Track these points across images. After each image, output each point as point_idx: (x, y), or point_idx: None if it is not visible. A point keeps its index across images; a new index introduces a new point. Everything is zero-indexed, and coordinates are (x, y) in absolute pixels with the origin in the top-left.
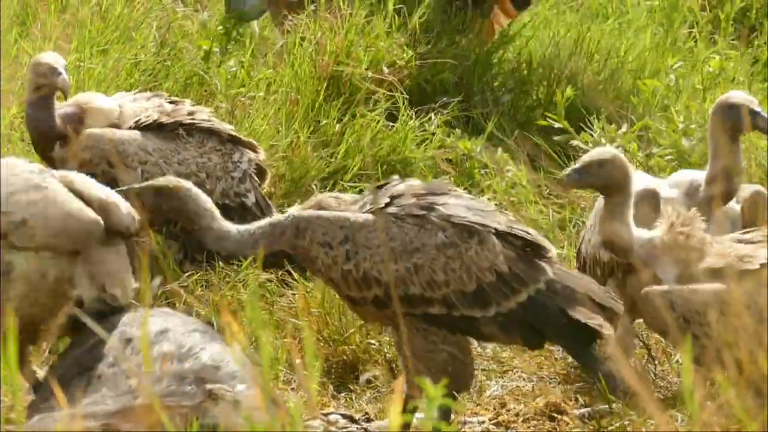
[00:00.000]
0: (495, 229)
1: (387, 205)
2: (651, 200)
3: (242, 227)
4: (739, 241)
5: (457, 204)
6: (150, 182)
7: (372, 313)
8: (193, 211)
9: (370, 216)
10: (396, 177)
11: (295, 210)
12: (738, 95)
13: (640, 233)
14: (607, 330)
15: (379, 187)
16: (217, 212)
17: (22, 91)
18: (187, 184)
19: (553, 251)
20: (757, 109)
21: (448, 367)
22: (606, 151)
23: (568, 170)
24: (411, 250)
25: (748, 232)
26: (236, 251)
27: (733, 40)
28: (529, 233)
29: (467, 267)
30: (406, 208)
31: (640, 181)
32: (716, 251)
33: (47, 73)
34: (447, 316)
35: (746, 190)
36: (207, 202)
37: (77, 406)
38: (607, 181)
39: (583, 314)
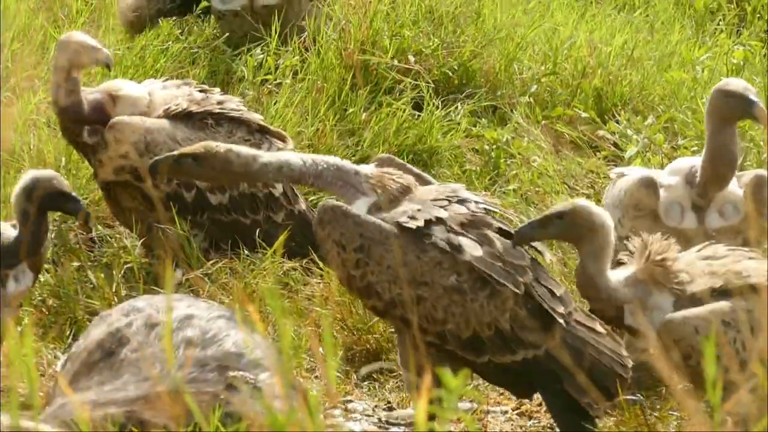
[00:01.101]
0: (513, 286)
1: (425, 224)
2: (649, 188)
3: (306, 157)
4: (703, 258)
5: (491, 248)
6: (185, 150)
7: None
8: (239, 164)
9: (394, 232)
10: (461, 186)
11: (368, 169)
12: (736, 83)
13: (616, 276)
14: (600, 411)
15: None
16: (258, 152)
17: (49, 77)
18: (223, 145)
19: (571, 307)
20: (754, 98)
21: None
22: (569, 203)
23: (523, 224)
24: (419, 283)
25: (703, 248)
26: (300, 178)
27: (761, 32)
28: (551, 291)
29: (467, 316)
30: (436, 239)
31: (638, 171)
32: (705, 271)
33: (89, 50)
34: (440, 346)
35: (748, 174)
36: (245, 149)
37: (99, 392)
38: (570, 233)
39: (578, 389)
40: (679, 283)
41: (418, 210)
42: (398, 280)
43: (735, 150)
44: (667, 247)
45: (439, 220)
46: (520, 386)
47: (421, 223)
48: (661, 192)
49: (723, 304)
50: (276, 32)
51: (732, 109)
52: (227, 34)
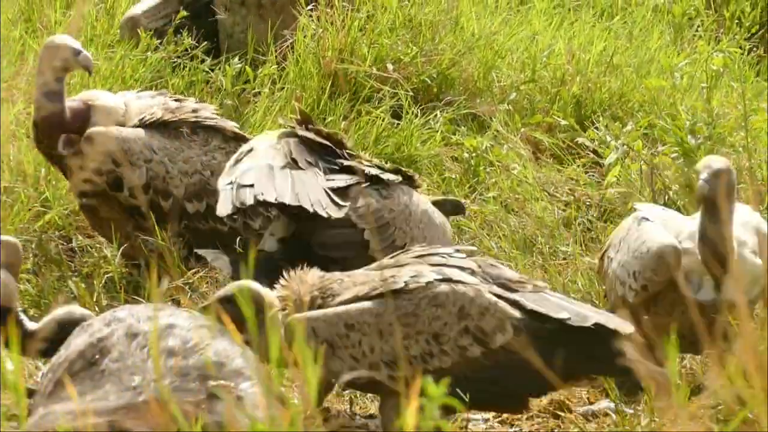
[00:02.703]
0: None
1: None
2: (674, 261)
3: None
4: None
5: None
6: None
7: None
8: None
9: None
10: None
11: None
12: (706, 161)
13: None
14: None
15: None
16: None
17: (28, 87)
18: None
19: None
20: (703, 177)
21: None
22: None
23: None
24: None
25: (394, 256)
26: None
27: (736, 36)
28: None
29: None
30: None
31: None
32: (359, 281)
33: (67, 52)
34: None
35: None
36: None
37: (81, 402)
38: None
39: None
40: (324, 296)
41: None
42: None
43: (721, 236)
44: (303, 275)
45: None
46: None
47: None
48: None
49: (350, 307)
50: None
51: (698, 188)
52: (226, 30)
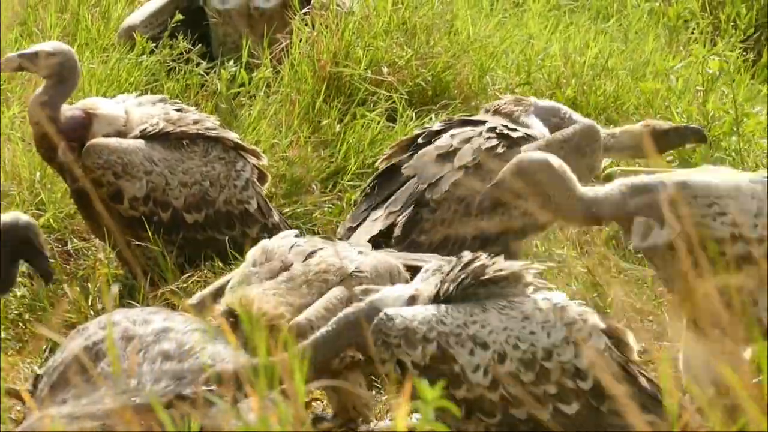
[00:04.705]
0: None
1: None
2: None
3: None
4: None
5: None
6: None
7: None
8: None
9: None
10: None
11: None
12: None
13: None
14: None
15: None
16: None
17: (23, 91)
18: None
19: None
20: None
21: None
22: None
23: None
24: None
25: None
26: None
27: (732, 38)
28: None
29: None
30: None
31: None
32: (297, 283)
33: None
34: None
35: None
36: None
37: (77, 406)
38: None
39: None
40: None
41: None
42: None
43: None
44: None
45: None
46: None
47: None
48: None
49: (327, 297)
50: (266, 37)
51: None
52: (219, 38)
